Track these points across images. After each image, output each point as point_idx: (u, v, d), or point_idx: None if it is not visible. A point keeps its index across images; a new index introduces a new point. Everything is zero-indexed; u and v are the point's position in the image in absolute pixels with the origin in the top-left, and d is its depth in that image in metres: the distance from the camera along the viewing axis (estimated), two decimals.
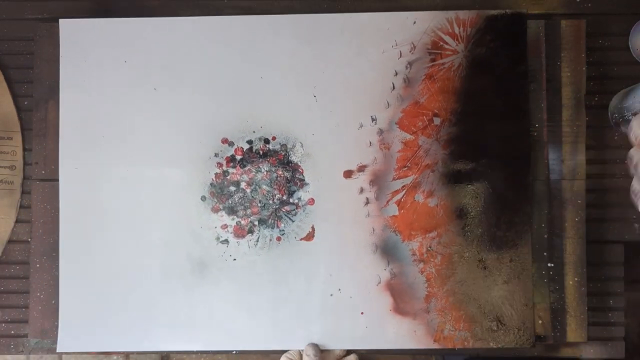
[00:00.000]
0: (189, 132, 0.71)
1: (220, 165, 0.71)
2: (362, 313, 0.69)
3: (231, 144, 0.71)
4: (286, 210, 0.70)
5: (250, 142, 0.71)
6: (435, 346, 0.68)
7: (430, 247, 0.70)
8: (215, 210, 0.70)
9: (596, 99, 0.73)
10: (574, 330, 0.70)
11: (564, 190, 0.71)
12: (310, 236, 0.70)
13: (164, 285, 0.70)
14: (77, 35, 0.72)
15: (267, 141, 0.71)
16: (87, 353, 0.71)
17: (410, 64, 0.71)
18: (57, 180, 0.71)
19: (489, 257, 0.69)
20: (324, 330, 0.69)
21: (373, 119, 0.70)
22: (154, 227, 0.70)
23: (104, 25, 0.72)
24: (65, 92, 0.71)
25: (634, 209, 0.71)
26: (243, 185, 0.71)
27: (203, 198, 0.71)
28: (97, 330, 0.70)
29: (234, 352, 0.70)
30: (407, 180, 0.70)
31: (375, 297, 0.69)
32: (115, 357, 0.72)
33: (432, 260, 0.69)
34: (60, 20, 0.71)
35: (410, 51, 0.71)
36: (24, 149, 0.73)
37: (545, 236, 0.71)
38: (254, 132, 0.71)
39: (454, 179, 0.70)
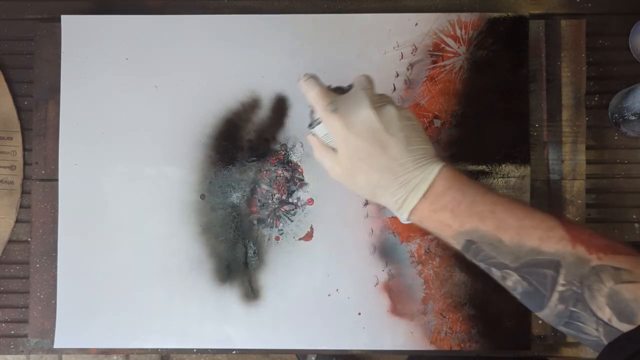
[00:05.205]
0: (189, 130, 0.71)
1: (220, 163, 0.71)
2: (359, 314, 0.69)
3: (231, 142, 0.71)
4: (285, 210, 0.70)
5: (250, 141, 0.71)
6: (432, 348, 0.69)
7: (428, 248, 0.69)
8: (215, 208, 0.71)
9: (596, 99, 0.73)
10: None
11: (564, 190, 0.71)
12: (308, 236, 0.70)
13: (162, 283, 0.70)
14: (78, 32, 0.72)
15: (267, 140, 0.71)
16: (87, 353, 0.71)
17: (411, 65, 0.71)
18: (57, 180, 0.71)
19: None
20: (321, 330, 0.69)
21: None
22: (153, 225, 0.70)
23: (106, 22, 0.72)
24: (66, 89, 0.71)
25: (634, 210, 0.71)
26: (243, 184, 0.71)
27: (202, 196, 0.71)
28: (94, 326, 0.70)
29: (234, 351, 0.70)
30: None
31: (372, 298, 0.69)
32: (115, 357, 0.72)
33: (430, 262, 0.69)
34: (62, 17, 0.72)
35: (411, 53, 0.71)
36: (24, 149, 0.73)
37: None
38: (253, 131, 0.71)
39: None
